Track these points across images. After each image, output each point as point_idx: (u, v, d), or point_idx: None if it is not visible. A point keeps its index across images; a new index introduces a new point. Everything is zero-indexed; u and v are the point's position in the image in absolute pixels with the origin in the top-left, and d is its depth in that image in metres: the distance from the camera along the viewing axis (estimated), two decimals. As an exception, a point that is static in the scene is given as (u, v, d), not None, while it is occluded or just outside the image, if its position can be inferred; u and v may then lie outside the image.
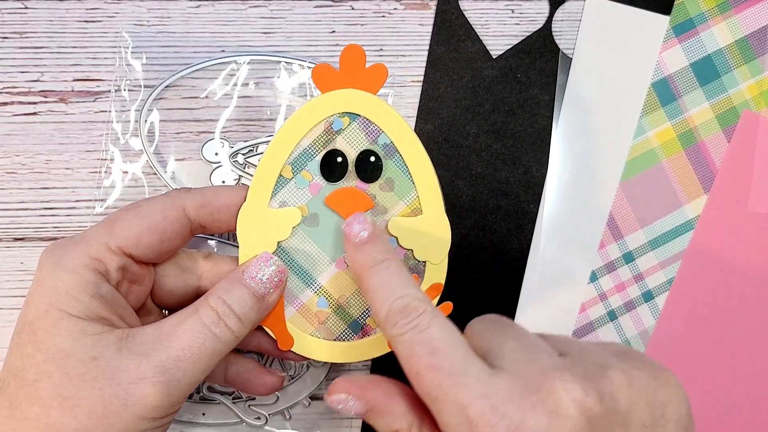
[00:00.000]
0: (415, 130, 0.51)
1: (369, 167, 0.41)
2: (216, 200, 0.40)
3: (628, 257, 0.52)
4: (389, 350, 0.42)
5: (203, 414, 0.50)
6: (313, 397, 0.51)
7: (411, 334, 0.33)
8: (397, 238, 0.42)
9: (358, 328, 0.43)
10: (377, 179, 0.41)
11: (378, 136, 0.41)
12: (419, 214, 0.41)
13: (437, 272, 0.42)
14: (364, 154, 0.41)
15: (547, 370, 0.31)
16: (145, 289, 0.40)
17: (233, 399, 0.50)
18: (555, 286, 0.51)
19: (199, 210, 0.39)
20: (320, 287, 0.42)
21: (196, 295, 0.39)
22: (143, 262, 0.39)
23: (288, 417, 0.50)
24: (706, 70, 0.53)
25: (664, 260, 0.52)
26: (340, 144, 0.41)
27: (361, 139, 0.41)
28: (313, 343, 0.43)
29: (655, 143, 0.52)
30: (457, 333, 0.33)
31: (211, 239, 0.49)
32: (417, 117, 0.52)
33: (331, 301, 0.42)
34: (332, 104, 0.40)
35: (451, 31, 0.52)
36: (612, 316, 0.52)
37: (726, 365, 0.52)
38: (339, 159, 0.41)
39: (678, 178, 0.52)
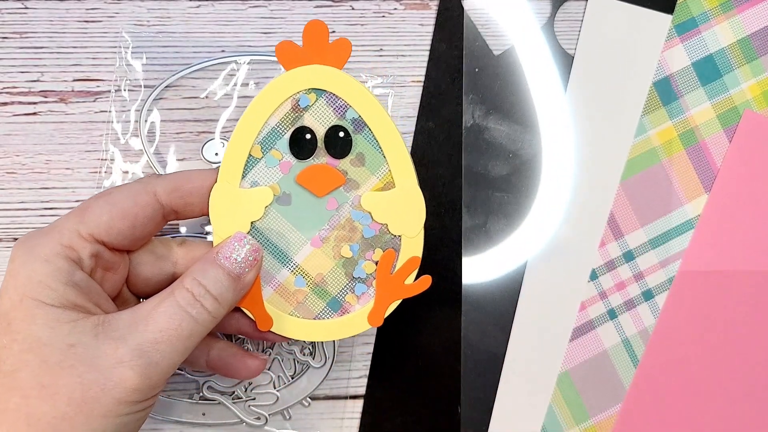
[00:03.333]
0: (416, 128, 0.51)
1: (338, 143, 0.41)
2: (187, 184, 0.40)
3: (629, 256, 0.52)
4: (369, 327, 0.42)
5: (203, 414, 0.50)
6: (313, 397, 0.51)
7: None
8: (371, 213, 0.41)
9: (337, 306, 0.42)
10: (348, 154, 0.41)
11: (346, 111, 0.40)
12: (392, 188, 0.41)
13: (413, 246, 0.42)
14: (333, 130, 0.41)
15: None
16: (120, 277, 0.40)
17: (233, 399, 0.50)
18: (555, 284, 0.51)
19: (170, 194, 0.39)
20: (297, 266, 0.42)
21: (172, 282, 0.39)
22: (117, 249, 0.39)
23: (288, 417, 0.50)
24: (708, 70, 0.52)
25: (665, 259, 0.52)
26: (308, 121, 0.40)
27: (328, 115, 0.41)
28: (292, 323, 0.42)
29: (656, 142, 0.52)
30: None
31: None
32: (418, 114, 0.52)
33: (308, 279, 0.42)
34: (298, 81, 0.40)
35: (453, 29, 0.52)
36: (612, 314, 0.52)
37: (726, 365, 0.52)
38: (308, 136, 0.41)
39: (679, 178, 0.52)
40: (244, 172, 0.41)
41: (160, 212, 0.40)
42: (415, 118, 0.52)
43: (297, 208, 0.41)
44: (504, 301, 0.51)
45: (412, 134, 0.52)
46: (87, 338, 0.35)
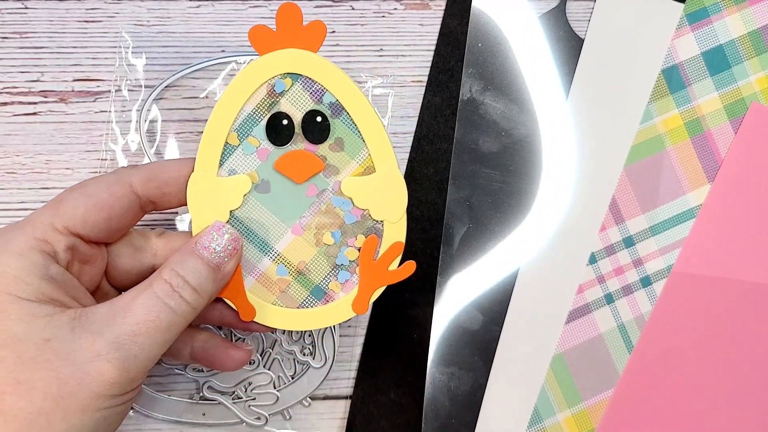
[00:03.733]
0: (423, 103, 0.51)
1: (316, 128, 0.40)
2: (163, 173, 0.39)
3: (629, 241, 0.51)
4: (354, 315, 0.42)
5: (203, 414, 0.49)
6: (313, 397, 0.50)
7: None
8: (351, 198, 0.41)
9: (320, 294, 0.42)
10: (326, 140, 0.40)
11: (323, 95, 0.40)
12: (373, 173, 0.41)
13: (396, 231, 0.41)
14: (310, 115, 0.40)
15: None
16: (99, 270, 0.40)
17: (233, 399, 0.49)
18: (553, 266, 0.51)
19: (146, 184, 0.39)
20: (278, 254, 0.41)
21: (152, 274, 0.39)
22: (93, 242, 0.39)
23: (288, 417, 0.50)
24: (717, 60, 0.52)
25: (664, 247, 0.51)
26: (284, 106, 0.40)
27: (305, 100, 0.40)
28: (276, 313, 0.42)
29: (661, 130, 0.52)
30: None
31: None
32: (426, 88, 0.52)
33: (290, 268, 0.42)
34: (272, 66, 0.39)
35: (465, 5, 0.52)
36: (609, 299, 0.51)
37: (720, 357, 0.51)
38: (284, 122, 0.40)
39: (682, 166, 0.52)
40: (221, 160, 0.40)
41: (136, 203, 0.39)
42: (416, 119, 0.52)
43: (276, 195, 0.41)
44: (501, 282, 0.51)
45: (413, 134, 0.52)
46: (63, 332, 0.34)
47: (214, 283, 0.38)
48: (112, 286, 0.42)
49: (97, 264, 0.40)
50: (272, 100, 0.40)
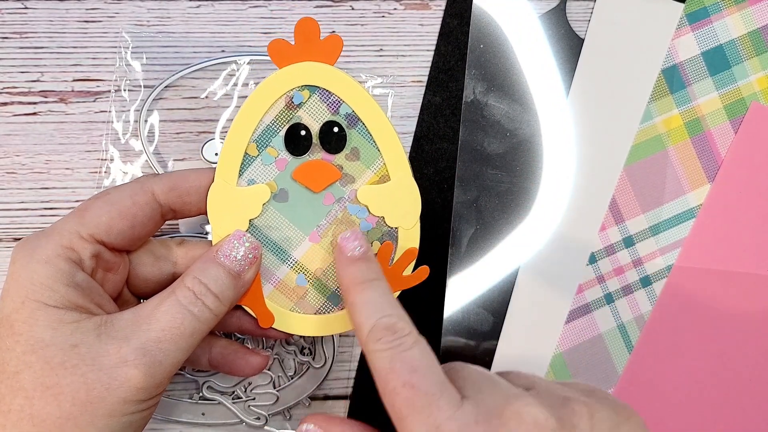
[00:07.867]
0: (423, 102, 0.52)
1: (333, 138, 0.41)
2: (184, 183, 0.40)
3: (629, 241, 0.51)
4: None
5: (203, 414, 0.49)
6: (313, 397, 0.50)
7: (394, 351, 0.34)
8: (367, 206, 0.41)
9: (337, 300, 0.42)
10: (342, 149, 0.41)
11: (339, 107, 0.41)
12: (388, 181, 0.41)
13: (410, 237, 0.42)
14: (327, 126, 0.41)
15: (510, 398, 0.33)
16: (121, 278, 0.40)
17: (233, 399, 0.49)
18: (553, 267, 0.51)
19: (168, 193, 0.39)
20: (296, 262, 0.42)
21: (172, 282, 0.39)
22: (116, 250, 0.39)
23: (288, 417, 0.50)
24: (717, 60, 0.52)
25: (664, 246, 0.52)
26: (302, 117, 0.41)
27: (322, 111, 0.41)
28: (294, 319, 0.42)
29: (661, 129, 0.52)
30: (435, 359, 0.35)
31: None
32: (426, 88, 0.52)
33: (308, 275, 0.42)
34: (291, 78, 0.40)
35: (465, 4, 0.52)
36: (609, 299, 0.51)
37: (721, 355, 0.51)
38: (302, 132, 0.41)
39: (683, 166, 0.52)
40: (240, 170, 0.41)
41: (158, 211, 0.40)
42: (416, 119, 0.52)
43: (294, 204, 0.41)
44: (501, 281, 0.51)
45: (413, 134, 0.52)
46: (90, 338, 0.35)
47: (234, 290, 0.39)
48: (132, 293, 0.42)
49: (120, 272, 0.40)
50: (291, 111, 0.41)
